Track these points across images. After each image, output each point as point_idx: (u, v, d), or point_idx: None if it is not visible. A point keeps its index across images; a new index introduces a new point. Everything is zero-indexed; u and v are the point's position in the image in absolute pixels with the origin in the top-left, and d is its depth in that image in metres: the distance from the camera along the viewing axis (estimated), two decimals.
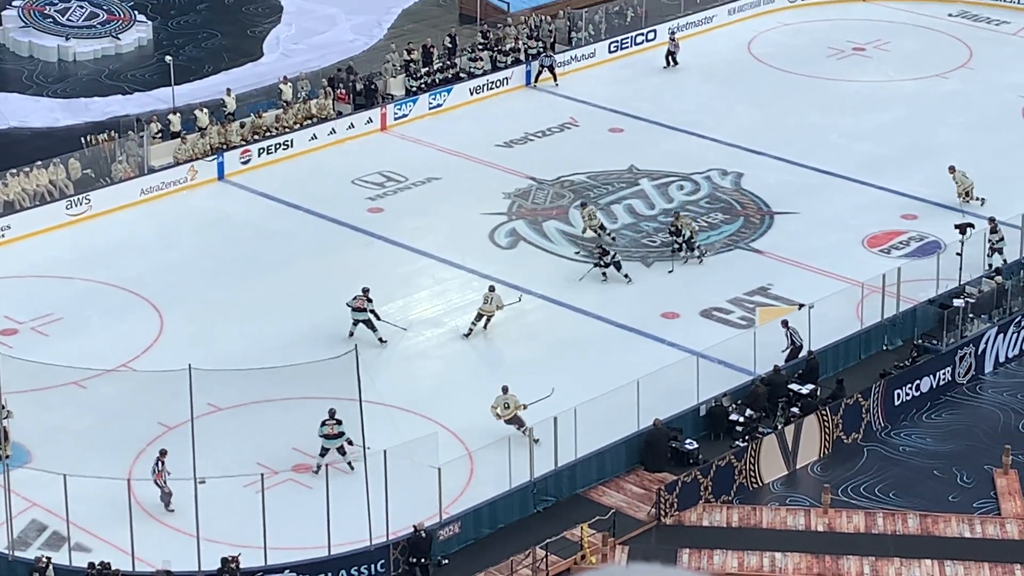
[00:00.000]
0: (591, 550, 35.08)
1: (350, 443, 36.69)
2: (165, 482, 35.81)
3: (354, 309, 42.14)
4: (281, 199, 50.15)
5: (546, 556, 34.67)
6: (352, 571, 34.48)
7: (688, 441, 37.99)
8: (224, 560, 33.61)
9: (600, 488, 37.17)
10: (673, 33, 59.64)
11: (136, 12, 63.05)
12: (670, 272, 45.38)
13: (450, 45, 57.50)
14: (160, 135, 51.25)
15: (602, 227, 46.95)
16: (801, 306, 41.98)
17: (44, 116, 55.89)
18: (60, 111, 56.23)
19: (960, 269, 43.44)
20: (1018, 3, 63.86)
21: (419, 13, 65.18)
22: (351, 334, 41.93)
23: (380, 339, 42.17)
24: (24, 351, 40.77)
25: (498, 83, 57.25)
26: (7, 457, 36.84)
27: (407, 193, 50.49)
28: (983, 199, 48.13)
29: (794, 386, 39.48)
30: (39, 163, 48.82)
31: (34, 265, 46.30)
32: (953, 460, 38.33)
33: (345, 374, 37.10)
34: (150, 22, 62.97)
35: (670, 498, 36.17)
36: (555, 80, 57.56)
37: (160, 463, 35.91)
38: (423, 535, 34.59)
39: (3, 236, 47.46)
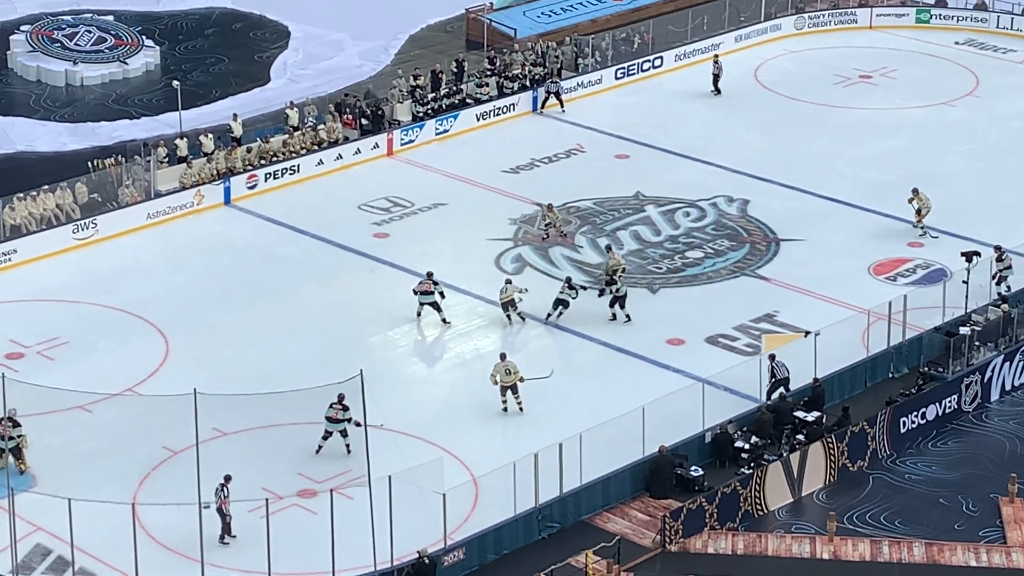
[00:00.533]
0: None
1: (358, 425, 36.86)
2: (229, 509, 35.55)
3: (421, 293, 43.87)
4: (287, 224, 50.21)
5: None
6: None
7: (693, 468, 37.94)
8: None
9: (605, 515, 37.11)
10: (717, 56, 59.55)
11: (144, 37, 63.23)
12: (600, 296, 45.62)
13: (456, 71, 57.63)
14: (167, 160, 51.34)
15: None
16: (807, 333, 41.95)
17: (51, 140, 56.02)
18: (67, 135, 56.35)
19: (966, 297, 43.43)
20: None
21: (426, 39, 65.36)
22: (418, 315, 44.01)
23: (444, 320, 43.78)
24: (30, 375, 40.79)
25: (505, 109, 57.35)
26: (23, 471, 37.05)
27: (413, 218, 50.54)
28: (932, 234, 48.14)
29: (800, 413, 39.43)
30: (46, 187, 48.90)
31: (40, 289, 46.34)
32: (959, 488, 38.25)
33: (351, 398, 37.17)
34: (158, 47, 63.15)
35: (675, 525, 36.11)
36: (561, 106, 57.64)
37: (224, 489, 35.54)
38: (427, 561, 34.52)
39: (9, 260, 47.52)
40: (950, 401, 40.69)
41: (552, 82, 57.89)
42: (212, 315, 45.03)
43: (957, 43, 63.79)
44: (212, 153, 51.51)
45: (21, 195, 48.48)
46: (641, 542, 36.27)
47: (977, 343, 41.91)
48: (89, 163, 50.93)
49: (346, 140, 54.12)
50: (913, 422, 39.92)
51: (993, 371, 41.56)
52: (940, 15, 65.26)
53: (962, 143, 55.37)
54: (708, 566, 35.64)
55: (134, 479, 37.56)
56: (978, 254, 44.54)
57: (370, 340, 43.63)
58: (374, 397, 35.78)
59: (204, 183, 50.93)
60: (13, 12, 66.16)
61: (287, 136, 53.20)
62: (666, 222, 50.24)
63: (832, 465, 38.51)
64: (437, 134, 55.73)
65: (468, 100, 56.92)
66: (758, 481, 37.33)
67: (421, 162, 54.13)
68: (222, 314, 45.11)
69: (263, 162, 52.28)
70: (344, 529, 34.21)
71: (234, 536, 35.60)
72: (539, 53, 59.13)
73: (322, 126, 53.72)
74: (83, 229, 48.78)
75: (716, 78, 58.98)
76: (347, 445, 38.25)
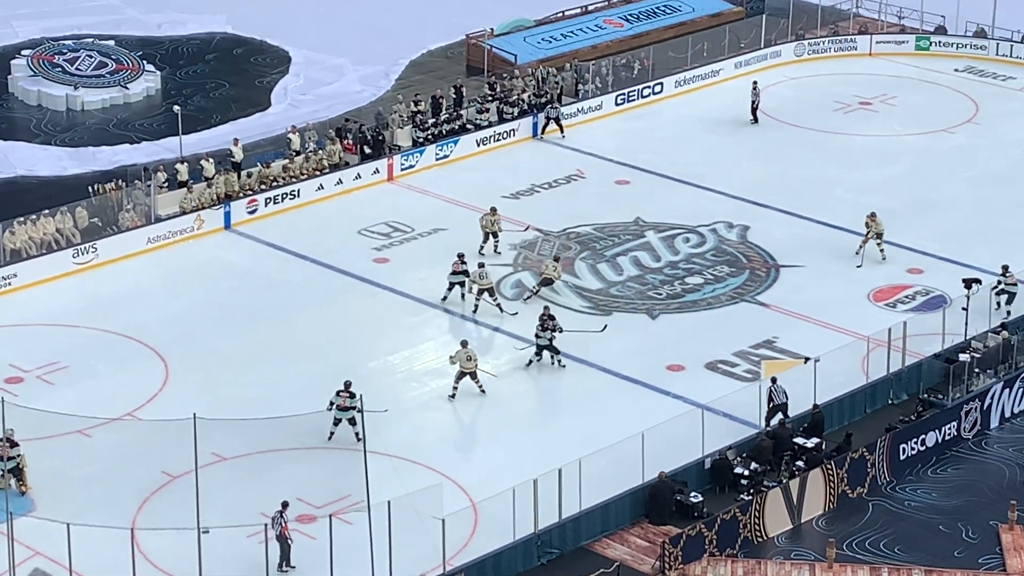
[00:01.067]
0: None
1: (380, 410, 38.29)
2: (290, 535, 35.34)
3: (453, 273, 45.98)
4: (287, 249, 50.24)
5: None
6: None
7: (693, 494, 37.91)
8: None
9: (604, 541, 37.07)
10: (756, 84, 59.60)
11: (145, 62, 63.34)
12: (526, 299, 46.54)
13: (456, 97, 57.73)
14: (167, 184, 51.39)
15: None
16: (806, 360, 41.94)
17: (52, 165, 56.07)
18: (68, 160, 56.41)
19: (966, 323, 43.44)
20: None
21: (426, 64, 65.48)
22: (444, 299, 46.04)
23: (462, 295, 46.13)
24: (29, 399, 40.77)
25: (505, 135, 57.43)
26: (24, 492, 37.17)
27: (413, 244, 50.58)
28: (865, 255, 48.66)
29: (799, 440, 39.41)
30: (46, 212, 48.93)
31: (40, 313, 46.34)
32: (958, 515, 38.21)
33: (350, 424, 37.16)
34: (158, 72, 63.26)
35: (674, 551, 36.05)
36: (562, 132, 57.73)
37: (282, 516, 35.30)
38: None
39: (9, 284, 47.53)
40: (950, 428, 40.67)
41: (552, 108, 57.99)
42: (212, 340, 45.03)
43: (957, 70, 63.91)
44: (212, 178, 51.57)
45: (21, 219, 48.50)
46: (640, 568, 36.22)
47: (977, 370, 41.90)
48: (89, 188, 50.99)
49: (346, 165, 54.20)
50: (913, 449, 39.90)
51: (993, 398, 41.54)
52: (939, 42, 65.39)
53: (962, 170, 55.44)
54: None
55: (133, 504, 37.52)
56: (979, 281, 44.55)
57: (369, 365, 43.63)
58: (373, 421, 35.84)
59: (204, 208, 50.97)
60: (14, 37, 66.30)
61: (287, 161, 53.26)
62: (666, 248, 50.28)
63: (832, 491, 38.47)
64: (437, 159, 55.81)
65: (468, 126, 57.01)
66: (757, 507, 37.29)
67: (421, 187, 54.19)
68: (222, 339, 45.10)
69: (263, 187, 52.34)
70: (343, 554, 34.18)
71: (293, 566, 35.38)
72: (539, 79, 59.24)
73: (322, 151, 53.79)
74: (83, 254, 48.81)
75: (755, 106, 58.89)
76: (356, 433, 38.58)
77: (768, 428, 39.72)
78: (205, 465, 34.81)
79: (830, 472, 38.35)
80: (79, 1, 70.89)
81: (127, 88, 61.76)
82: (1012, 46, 64.53)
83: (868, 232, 48.95)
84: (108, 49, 63.81)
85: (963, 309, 43.46)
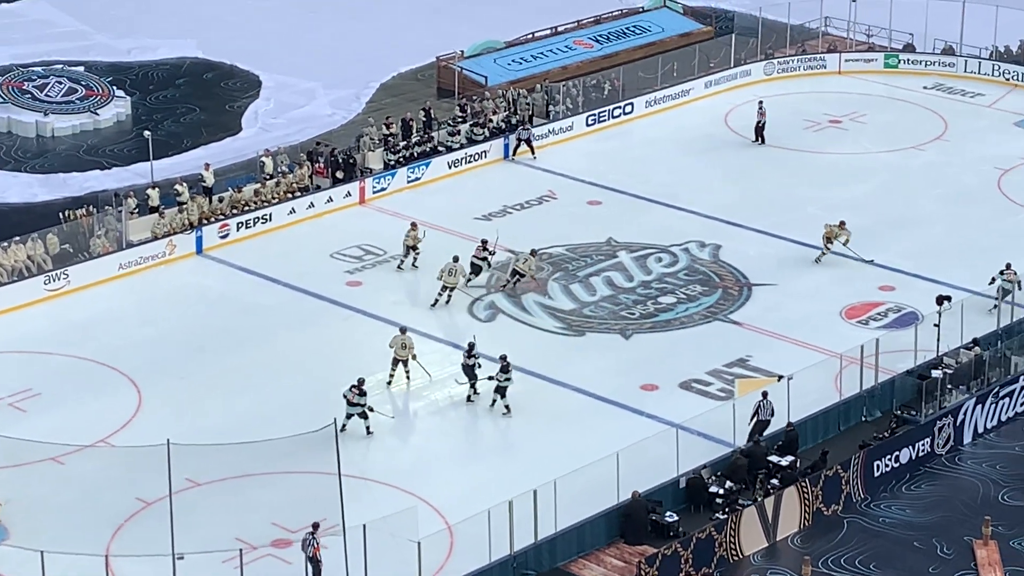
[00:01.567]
0: None
1: (378, 410, 40.79)
2: (320, 556, 35.16)
3: (476, 257, 48.37)
4: (260, 273, 50.16)
5: None
6: None
7: (668, 513, 37.92)
8: None
9: (580, 561, 37.04)
10: (762, 104, 59.68)
11: (115, 88, 63.26)
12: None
13: (426, 119, 57.77)
14: (138, 210, 51.29)
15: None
16: (780, 377, 42.02)
17: (22, 191, 55.93)
18: (38, 186, 56.28)
19: (938, 340, 43.57)
20: (992, 76, 64.38)
21: (397, 87, 65.53)
22: (468, 281, 48.34)
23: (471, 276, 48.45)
24: (2, 427, 40.61)
25: (476, 156, 57.49)
26: None
27: (386, 266, 50.55)
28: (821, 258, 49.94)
29: (774, 458, 39.46)
30: (17, 239, 48.79)
31: (12, 340, 46.17)
32: (933, 531, 38.29)
33: (325, 448, 37.09)
34: (128, 98, 63.17)
35: (650, 571, 36.05)
36: (533, 153, 57.80)
37: (313, 538, 35.14)
38: None
39: None
40: (923, 444, 40.77)
41: (524, 129, 58.07)
42: (185, 365, 44.91)
43: (925, 87, 64.20)
44: (184, 203, 51.49)
45: None
46: None
47: (949, 386, 42.02)
48: (60, 214, 50.87)
49: (318, 188, 54.18)
50: (887, 465, 39.99)
51: (965, 414, 41.66)
52: (908, 60, 65.68)
53: (933, 187, 55.65)
54: None
55: (107, 531, 37.38)
56: (949, 298, 44.70)
57: (343, 390, 43.53)
58: (348, 445, 35.77)
59: (176, 233, 50.89)
60: None
61: (259, 185, 53.22)
62: (638, 268, 50.34)
63: (807, 509, 38.53)
64: (409, 182, 55.82)
65: (440, 148, 57.06)
66: (733, 526, 37.32)
67: (393, 210, 54.17)
68: (195, 364, 44.99)
69: (235, 211, 52.28)
70: None
71: None
72: (510, 100, 59.32)
73: (293, 174, 53.76)
74: (55, 280, 48.67)
75: (761, 126, 58.96)
76: (367, 427, 40.64)
77: (743, 447, 39.76)
78: (179, 491, 34.74)
79: (805, 490, 38.41)
80: (48, 27, 70.85)
81: (97, 114, 61.67)
82: (980, 63, 64.86)
83: (837, 237, 49.26)
84: (78, 75, 63.72)
85: (935, 326, 43.59)
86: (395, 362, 43.34)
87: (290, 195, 53.34)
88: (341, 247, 51.61)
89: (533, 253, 48.80)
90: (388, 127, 56.83)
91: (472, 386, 42.87)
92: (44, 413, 42.42)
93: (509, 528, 36.24)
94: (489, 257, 48.79)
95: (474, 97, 60.20)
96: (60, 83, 62.84)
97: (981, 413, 42.02)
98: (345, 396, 40.85)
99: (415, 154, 56.41)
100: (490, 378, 42.43)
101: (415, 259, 49.76)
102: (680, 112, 61.63)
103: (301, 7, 73.79)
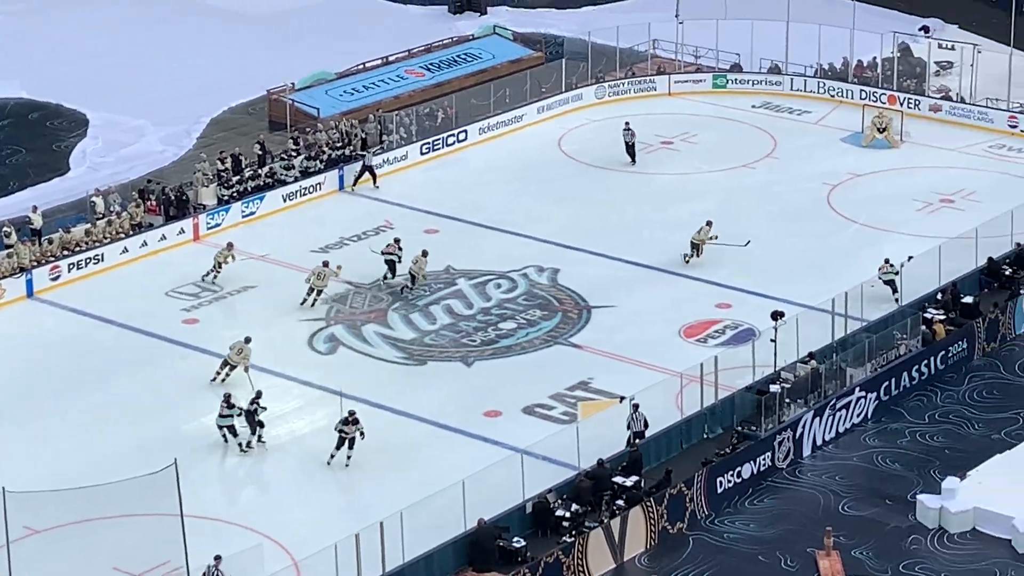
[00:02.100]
0: None
1: (362, 436, 41.10)
2: None
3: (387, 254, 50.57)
4: (94, 314, 49.41)
5: None
6: None
7: (515, 539, 37.89)
8: None
9: None
10: (628, 124, 59.76)
11: None
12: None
13: (260, 152, 57.39)
14: None
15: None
16: (621, 399, 42.25)
17: None
18: None
19: (775, 355, 44.08)
20: (818, 93, 65.44)
21: (228, 122, 65.00)
22: (386, 279, 50.58)
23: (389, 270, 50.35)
24: None
25: (311, 189, 57.19)
26: None
27: (223, 303, 50.06)
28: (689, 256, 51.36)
29: (618, 479, 39.63)
30: None
31: None
32: (776, 544, 38.70)
33: (166, 489, 36.57)
34: None
35: None
36: (375, 182, 57.58)
37: (216, 570, 34.88)
38: None
39: None
40: (764, 459, 41.21)
41: (370, 155, 57.82)
42: (21, 412, 44.06)
43: (754, 106, 65.07)
44: (12, 247, 50.56)
45: None
46: None
47: (787, 400, 42.54)
48: None
49: (151, 227, 53.52)
50: (729, 481, 40.36)
51: (804, 427, 42.19)
52: (736, 80, 66.55)
53: (765, 204, 56.36)
54: None
55: None
56: (783, 314, 45.24)
57: (183, 428, 43.03)
58: (190, 485, 35.24)
59: (4, 277, 49.95)
60: None
61: (90, 225, 52.45)
62: (478, 295, 50.38)
63: (652, 528, 38.75)
64: (244, 216, 55.37)
65: (274, 181, 56.66)
66: (580, 549, 37.41)
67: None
68: (32, 410, 44.16)
69: (66, 252, 51.47)
70: None
71: None
72: (343, 132, 59.12)
73: (126, 212, 53.07)
74: None
75: (630, 146, 59.23)
76: (348, 457, 41.05)
77: (587, 469, 39.87)
78: (18, 539, 34.05)
79: (650, 509, 38.63)
80: None
81: None
82: (805, 81, 65.88)
83: (707, 238, 50.57)
84: None
85: (771, 341, 44.11)
86: (224, 364, 44.55)
87: (123, 234, 52.65)
88: (176, 285, 51.00)
89: (424, 254, 50.12)
90: (223, 162, 56.35)
91: (257, 436, 42.26)
92: None
93: (356, 561, 36.00)
94: (399, 253, 50.38)
95: (307, 129, 59.91)
96: None
97: (819, 425, 42.59)
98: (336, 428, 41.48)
99: (249, 188, 55.99)
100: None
101: (215, 276, 50.78)
102: (514, 138, 61.85)
103: (130, 44, 72.91)
